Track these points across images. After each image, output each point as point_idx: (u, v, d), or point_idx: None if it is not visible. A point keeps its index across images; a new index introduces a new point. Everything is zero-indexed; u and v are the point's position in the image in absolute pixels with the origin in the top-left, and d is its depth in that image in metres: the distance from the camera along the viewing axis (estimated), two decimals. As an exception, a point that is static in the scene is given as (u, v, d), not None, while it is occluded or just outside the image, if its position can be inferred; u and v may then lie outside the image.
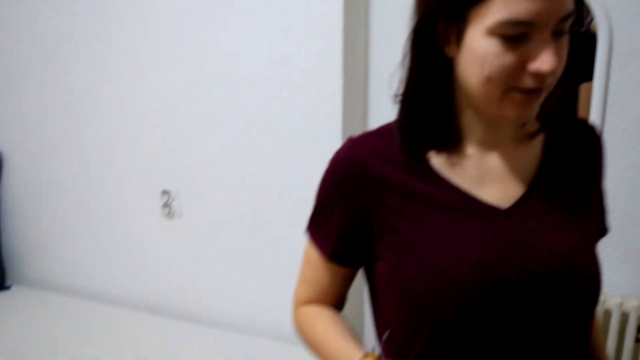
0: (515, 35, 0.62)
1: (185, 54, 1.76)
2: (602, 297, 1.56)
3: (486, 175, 0.74)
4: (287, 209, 1.72)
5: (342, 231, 0.78)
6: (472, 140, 0.75)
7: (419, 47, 0.70)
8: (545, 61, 0.62)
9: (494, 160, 0.75)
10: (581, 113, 1.58)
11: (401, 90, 0.75)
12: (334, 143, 1.60)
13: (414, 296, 0.70)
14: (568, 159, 0.79)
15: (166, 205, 1.88)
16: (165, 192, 1.87)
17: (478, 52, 0.64)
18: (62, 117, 2.03)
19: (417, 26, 0.70)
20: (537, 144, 0.79)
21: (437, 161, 0.74)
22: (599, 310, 1.56)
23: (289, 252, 1.67)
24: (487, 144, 0.75)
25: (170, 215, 1.89)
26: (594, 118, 1.54)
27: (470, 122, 0.74)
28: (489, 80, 0.65)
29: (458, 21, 0.65)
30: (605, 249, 1.62)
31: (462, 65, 0.68)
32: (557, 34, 0.64)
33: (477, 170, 0.74)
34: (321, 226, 0.82)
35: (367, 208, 0.75)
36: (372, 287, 0.83)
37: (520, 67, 0.64)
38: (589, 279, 0.72)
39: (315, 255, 0.83)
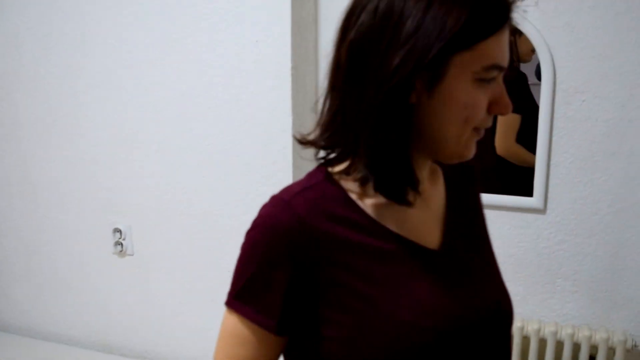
0: (489, 79, 0.65)
1: (137, 92, 1.74)
2: (554, 328, 1.58)
3: (415, 217, 0.74)
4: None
5: (287, 298, 0.71)
6: None
7: (390, 97, 0.64)
8: (506, 104, 0.67)
9: (418, 202, 0.73)
10: (498, 143, 1.67)
11: (364, 139, 0.68)
12: (285, 180, 1.59)
13: (385, 353, 0.67)
14: (462, 195, 0.82)
15: (118, 243, 1.84)
16: (116, 230, 1.83)
17: (461, 97, 0.64)
18: (9, 154, 1.97)
19: (393, 77, 0.62)
20: (441, 182, 0.81)
21: (374, 209, 0.72)
22: (551, 340, 1.57)
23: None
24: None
25: (122, 253, 1.85)
26: (540, 153, 1.57)
27: (415, 166, 0.71)
28: (467, 121, 0.65)
29: (437, 68, 0.63)
30: (556, 280, 1.65)
31: (433, 109, 0.65)
32: None
33: (407, 214, 0.73)
34: (258, 297, 0.73)
35: (311, 268, 0.69)
36: (308, 355, 0.76)
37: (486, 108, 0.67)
38: (511, 309, 0.77)
39: (247, 331, 0.73)
